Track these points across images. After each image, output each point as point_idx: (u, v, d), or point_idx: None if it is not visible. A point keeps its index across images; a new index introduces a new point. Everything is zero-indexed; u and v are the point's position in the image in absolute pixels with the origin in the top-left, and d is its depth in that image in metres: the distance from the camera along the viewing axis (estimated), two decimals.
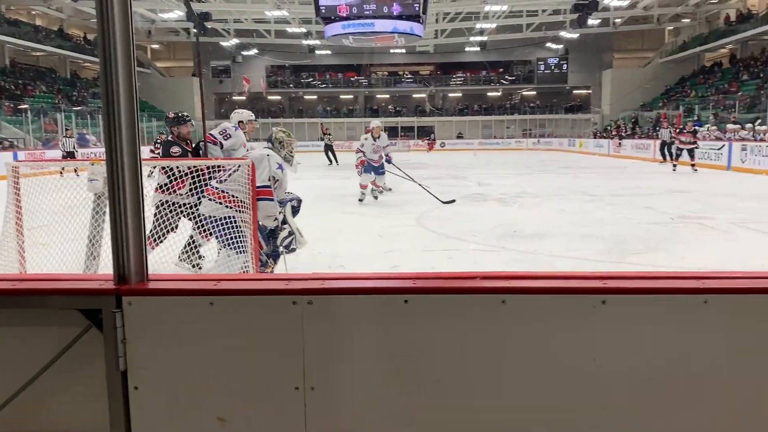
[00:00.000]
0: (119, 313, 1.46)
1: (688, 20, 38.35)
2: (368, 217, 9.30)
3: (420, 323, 1.46)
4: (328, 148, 24.59)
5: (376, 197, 11.01)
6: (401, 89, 47.05)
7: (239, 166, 4.31)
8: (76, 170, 12.15)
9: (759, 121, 20.73)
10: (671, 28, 40.95)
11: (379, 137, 10.69)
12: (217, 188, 4.32)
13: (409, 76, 47.53)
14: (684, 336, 1.44)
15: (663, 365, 1.44)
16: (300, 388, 1.47)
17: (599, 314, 1.44)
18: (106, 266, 4.04)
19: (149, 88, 39.05)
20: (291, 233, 4.65)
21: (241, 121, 6.11)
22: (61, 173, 11.22)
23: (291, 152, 4.71)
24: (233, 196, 4.26)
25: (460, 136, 42.94)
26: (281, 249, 4.66)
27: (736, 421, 1.45)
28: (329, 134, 25.60)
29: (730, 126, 21.04)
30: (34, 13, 35.60)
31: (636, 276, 1.53)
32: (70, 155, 18.82)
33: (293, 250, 4.72)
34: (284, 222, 4.67)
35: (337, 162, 23.88)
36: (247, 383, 1.49)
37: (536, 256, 6.22)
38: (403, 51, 43.04)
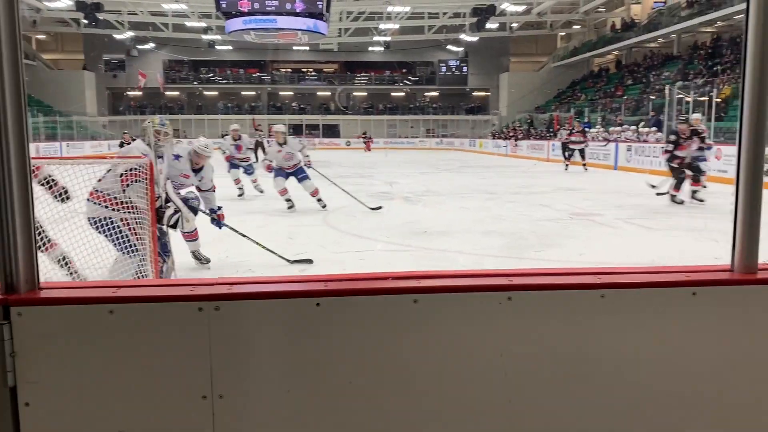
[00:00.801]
0: (7, 325, 1.35)
1: (579, 27, 40.55)
2: (274, 216, 9.17)
3: (332, 326, 1.44)
4: (259, 145, 23.96)
5: (324, 206, 9.92)
6: (305, 87, 46.77)
7: (111, 167, 4.28)
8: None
9: (642, 123, 22.22)
10: (563, 34, 43.15)
11: (285, 143, 9.84)
12: (95, 189, 4.22)
13: (313, 73, 47.30)
14: (583, 329, 1.51)
15: (564, 358, 1.50)
16: (208, 396, 1.42)
17: (505, 310, 1.48)
18: None
19: (36, 81, 36.54)
20: (177, 211, 4.62)
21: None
22: None
23: (156, 141, 4.74)
24: (108, 195, 4.17)
25: (365, 134, 43.24)
26: (165, 228, 4.58)
27: (629, 404, 1.54)
28: (261, 130, 24.87)
29: (614, 128, 22.46)
30: None
31: (539, 272, 1.59)
32: None
33: (177, 227, 4.69)
34: (168, 201, 4.63)
35: (256, 160, 23.30)
36: (151, 394, 1.42)
37: (443, 254, 6.36)
38: (307, 48, 42.77)
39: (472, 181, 16.25)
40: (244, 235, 5.55)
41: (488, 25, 36.35)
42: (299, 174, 9.83)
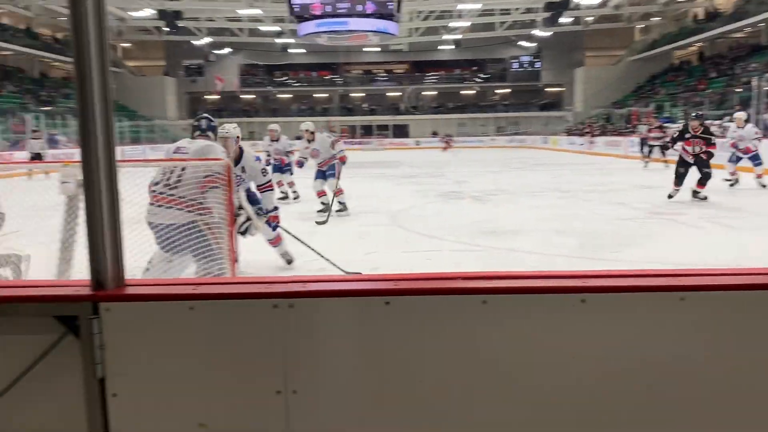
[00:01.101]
0: (96, 320, 1.43)
1: (658, 19, 38.97)
2: (343, 216, 9.28)
3: (401, 325, 1.46)
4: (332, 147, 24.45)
5: (341, 210, 9.63)
6: (376, 88, 47.09)
7: (184, 168, 4.03)
8: (46, 172, 11.93)
9: (727, 118, 21.14)
10: (641, 26, 41.58)
11: (313, 139, 9.86)
12: (179, 196, 3.96)
13: (383, 74, 47.58)
14: (662, 333, 1.46)
15: (642, 363, 1.46)
16: (282, 391, 1.46)
17: (579, 313, 1.45)
18: (80, 271, 3.96)
19: (121, 87, 38.46)
20: (248, 218, 4.70)
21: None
22: (29, 175, 11.00)
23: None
24: (191, 201, 3.95)
25: (435, 134, 43.10)
26: (236, 234, 4.62)
27: (721, 411, 1.47)
28: (335, 131, 25.52)
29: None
30: (0, 12, 34.81)
31: (614, 274, 1.54)
32: (37, 157, 18.46)
33: (246, 234, 4.77)
34: (240, 208, 4.69)
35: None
36: (228, 388, 1.48)
37: (514, 254, 6.27)
38: (378, 49, 43.08)
39: (544, 179, 15.91)
40: (297, 238, 5.57)
41: (562, 20, 35.51)
42: (327, 171, 9.68)
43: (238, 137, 5.23)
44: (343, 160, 9.69)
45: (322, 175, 9.64)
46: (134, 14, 36.05)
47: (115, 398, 1.46)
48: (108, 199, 1.46)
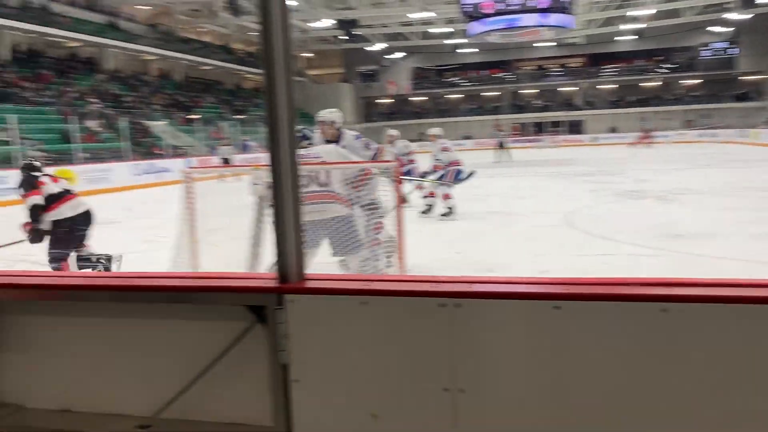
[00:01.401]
0: (281, 310, 1.56)
1: None
2: (514, 216, 9.12)
3: (572, 330, 1.41)
4: (501, 145, 24.59)
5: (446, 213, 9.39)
6: (549, 83, 45.61)
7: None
8: (237, 175, 13.11)
9: None
10: None
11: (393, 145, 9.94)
12: (337, 192, 4.24)
13: (557, 69, 45.97)
14: None
15: None
16: (449, 389, 1.49)
17: None
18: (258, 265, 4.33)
19: (303, 95, 41.22)
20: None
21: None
22: (221, 178, 12.17)
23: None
24: (345, 196, 4.23)
25: (613, 130, 40.78)
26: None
27: None
28: (503, 131, 25.57)
29: None
30: (202, 30, 38.91)
31: None
32: (225, 162, 20.37)
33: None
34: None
35: (511, 158, 23.76)
36: (398, 382, 1.53)
37: (702, 260, 5.75)
38: (551, 44, 41.72)
39: (740, 176, 14.38)
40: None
41: (761, 0, 31.84)
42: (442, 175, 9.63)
43: (333, 122, 5.22)
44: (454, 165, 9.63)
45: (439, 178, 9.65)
46: (315, 25, 38.34)
47: (297, 384, 1.58)
48: (292, 199, 1.58)
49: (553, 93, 45.50)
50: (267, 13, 1.53)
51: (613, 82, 44.48)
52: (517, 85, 46.10)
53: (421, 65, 46.56)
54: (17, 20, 24.96)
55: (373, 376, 1.55)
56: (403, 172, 10.99)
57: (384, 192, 4.51)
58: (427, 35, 40.98)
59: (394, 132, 10.93)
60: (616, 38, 41.64)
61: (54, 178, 5.88)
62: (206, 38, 39.25)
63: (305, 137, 4.72)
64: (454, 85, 47.31)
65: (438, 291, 1.51)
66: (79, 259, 5.68)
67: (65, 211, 5.57)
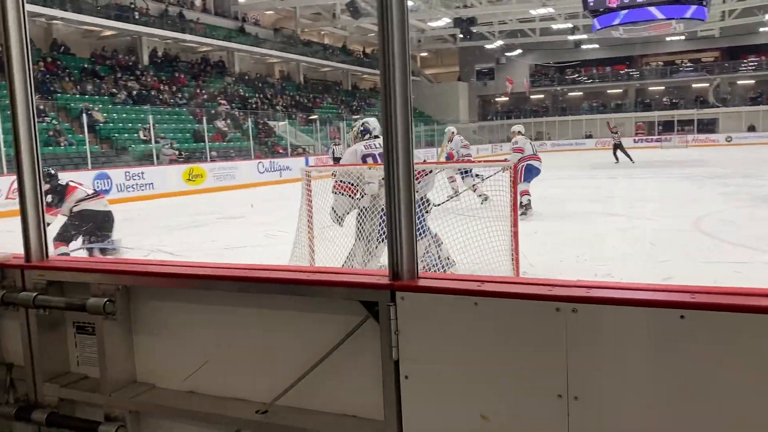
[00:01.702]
0: (393, 307, 1.58)
1: None
2: (636, 220, 8.68)
3: (698, 342, 1.32)
4: (617, 147, 23.58)
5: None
6: (678, 79, 42.95)
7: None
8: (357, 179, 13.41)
9: None
10: None
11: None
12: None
13: (688, 64, 43.19)
14: None
15: None
16: (563, 396, 1.44)
17: None
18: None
19: (419, 95, 41.51)
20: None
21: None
22: (333, 176, 12.49)
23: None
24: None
25: (752, 129, 37.73)
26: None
27: None
28: (616, 132, 24.50)
29: None
30: (323, 33, 40.21)
31: None
32: (337, 161, 20.92)
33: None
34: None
35: (631, 160, 22.70)
36: (509, 385, 1.51)
37: None
38: (682, 38, 39.23)
39: None
40: None
41: None
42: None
43: None
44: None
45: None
46: (432, 24, 38.44)
47: (407, 380, 1.60)
48: (405, 198, 1.60)
49: (682, 89, 42.81)
50: (386, 14, 1.55)
51: (751, 77, 41.13)
52: (643, 82, 43.83)
53: (541, 62, 45.41)
54: (156, 27, 27.00)
55: (483, 378, 1.53)
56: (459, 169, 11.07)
57: (498, 192, 4.44)
58: (546, 31, 39.89)
59: (452, 128, 10.86)
60: (759, 29, 38.44)
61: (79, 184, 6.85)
62: (326, 40, 40.52)
63: (366, 131, 4.88)
64: (575, 82, 45.75)
65: (554, 295, 1.46)
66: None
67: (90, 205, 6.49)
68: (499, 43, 41.30)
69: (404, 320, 1.59)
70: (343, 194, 4.54)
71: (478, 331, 1.53)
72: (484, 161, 9.40)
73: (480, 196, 7.07)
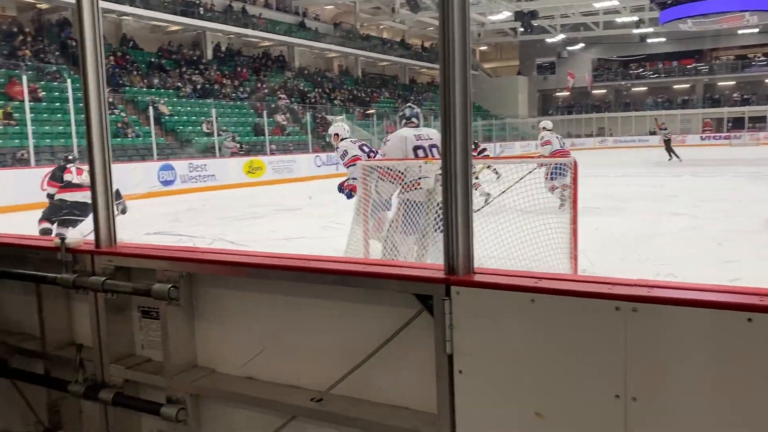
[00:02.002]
0: (448, 301, 1.58)
1: None
2: (702, 219, 8.37)
3: (766, 347, 1.27)
4: (667, 143, 22.86)
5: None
6: (751, 74, 41.07)
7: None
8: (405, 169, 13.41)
9: None
10: None
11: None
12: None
13: (761, 58, 41.22)
14: None
15: None
16: (620, 396, 1.41)
17: None
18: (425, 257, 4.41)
19: (477, 88, 41.08)
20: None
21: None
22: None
23: None
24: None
25: None
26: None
27: None
28: (665, 129, 23.70)
29: None
30: (381, 27, 40.28)
31: None
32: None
33: None
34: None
35: (678, 158, 22.01)
36: (565, 384, 1.48)
37: None
38: (756, 30, 37.46)
39: None
40: None
41: None
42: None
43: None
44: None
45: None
46: (492, 18, 37.98)
47: (461, 375, 1.60)
48: (462, 192, 1.59)
49: (755, 85, 40.93)
50: (446, 6, 1.55)
51: None
52: (712, 77, 42.11)
53: (604, 56, 44.24)
54: (220, 23, 27.63)
55: (539, 375, 1.52)
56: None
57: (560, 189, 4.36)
58: (610, 25, 38.81)
59: (545, 123, 10.67)
60: None
61: (79, 171, 7.52)
62: (385, 35, 40.58)
63: (412, 115, 4.88)
64: (639, 77, 44.37)
65: (614, 294, 1.43)
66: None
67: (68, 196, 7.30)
68: (561, 36, 40.43)
69: (459, 315, 1.58)
70: (390, 181, 4.58)
71: (534, 328, 1.51)
72: (545, 157, 9.23)
73: (481, 195, 6.97)
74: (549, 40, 40.93)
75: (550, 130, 10.32)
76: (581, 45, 42.32)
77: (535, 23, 35.30)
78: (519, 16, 34.29)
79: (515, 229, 4.27)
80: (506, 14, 36.07)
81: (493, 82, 44.56)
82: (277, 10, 32.69)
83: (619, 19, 37.91)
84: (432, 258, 4.28)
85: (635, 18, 37.00)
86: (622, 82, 44.44)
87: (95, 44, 2.09)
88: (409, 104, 5.17)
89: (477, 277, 1.61)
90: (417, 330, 1.68)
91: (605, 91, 45.11)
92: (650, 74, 44.13)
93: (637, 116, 41.06)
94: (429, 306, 1.64)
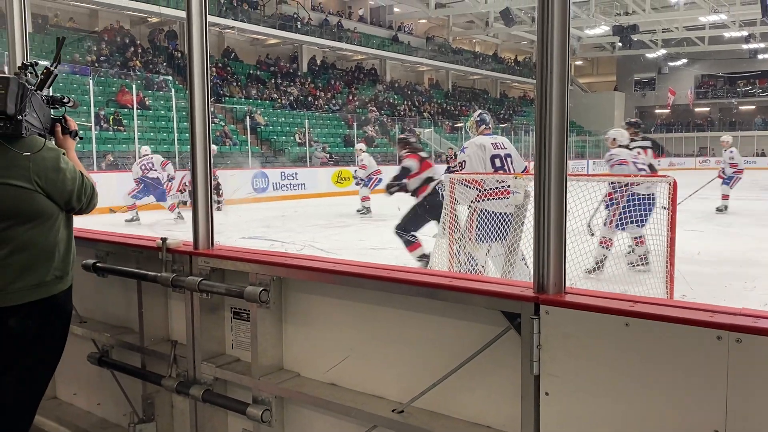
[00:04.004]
0: (536, 320, 1.54)
1: None
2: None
3: None
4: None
5: None
6: None
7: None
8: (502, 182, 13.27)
9: None
10: None
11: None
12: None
13: None
14: None
15: None
16: None
17: None
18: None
19: (571, 104, 39.89)
20: None
21: None
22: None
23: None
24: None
25: None
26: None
27: None
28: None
29: None
30: (474, 41, 40.12)
31: None
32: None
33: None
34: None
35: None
36: (659, 414, 1.41)
37: None
38: None
39: None
40: None
41: None
42: None
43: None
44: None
45: None
46: (589, 32, 36.98)
47: (547, 397, 1.55)
48: (556, 210, 1.55)
49: None
50: (546, 20, 1.52)
51: None
52: None
53: (708, 72, 42.07)
54: (316, 36, 28.43)
55: (631, 403, 1.45)
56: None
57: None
58: (717, 40, 36.89)
59: (614, 132, 9.15)
60: None
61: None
62: (477, 48, 40.38)
63: (483, 121, 4.83)
64: (747, 94, 41.86)
65: (715, 322, 1.35)
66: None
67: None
68: (662, 51, 38.81)
69: (547, 335, 1.54)
70: (468, 186, 4.54)
71: (627, 354, 1.45)
72: (645, 176, 8.84)
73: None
74: (649, 56, 39.36)
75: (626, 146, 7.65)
76: (684, 60, 40.45)
77: (634, 38, 34.04)
78: (617, 30, 33.15)
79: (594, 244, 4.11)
80: (604, 28, 34.99)
81: (588, 97, 43.34)
82: (371, 24, 33.26)
83: (726, 34, 35.97)
84: (518, 275, 4.20)
85: (745, 33, 34.98)
86: (728, 100, 42.07)
87: (202, 58, 2.20)
88: (481, 110, 5.18)
89: (568, 297, 1.56)
90: (503, 348, 1.65)
91: (708, 108, 42.87)
92: (759, 92, 41.54)
93: (744, 136, 38.71)
94: (516, 324, 1.60)
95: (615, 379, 1.47)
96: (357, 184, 14.01)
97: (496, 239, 4.41)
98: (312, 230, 10.37)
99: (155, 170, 11.65)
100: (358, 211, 13.31)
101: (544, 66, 1.54)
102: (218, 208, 11.12)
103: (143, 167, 11.62)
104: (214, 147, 14.29)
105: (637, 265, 5.61)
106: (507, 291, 1.64)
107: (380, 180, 13.14)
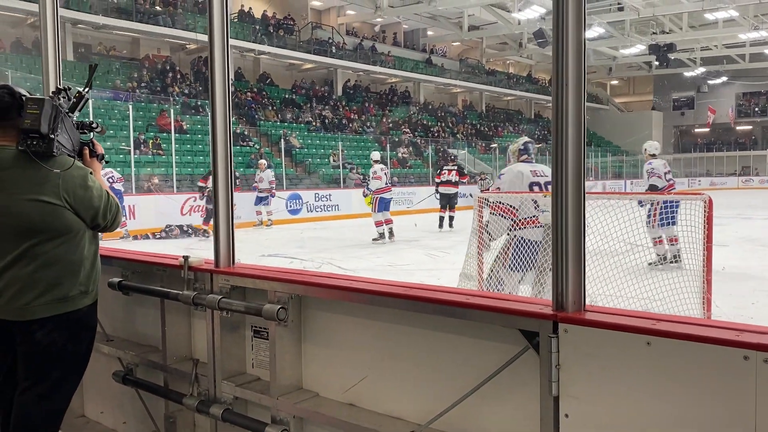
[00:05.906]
0: (555, 339, 1.50)
1: None
2: None
3: None
4: None
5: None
6: None
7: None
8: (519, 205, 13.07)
9: None
10: None
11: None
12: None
13: None
14: None
15: None
16: None
17: None
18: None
19: (607, 123, 39.66)
20: None
21: None
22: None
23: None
24: None
25: None
26: None
27: None
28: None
29: None
30: (508, 62, 40.09)
31: None
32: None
33: None
34: None
35: None
36: None
37: None
38: None
39: None
40: None
41: None
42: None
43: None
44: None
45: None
46: (624, 52, 36.60)
47: (567, 419, 1.50)
48: (574, 226, 1.52)
49: None
50: (560, 39, 1.51)
51: None
52: None
53: (750, 90, 41.17)
54: (351, 60, 28.77)
55: (653, 425, 1.39)
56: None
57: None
58: (758, 57, 36.11)
59: (648, 144, 8.81)
60: None
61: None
62: (511, 69, 40.32)
63: (526, 150, 4.74)
64: None
65: (742, 341, 1.29)
66: None
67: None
68: (701, 70, 38.14)
69: (567, 354, 1.50)
70: (502, 216, 4.42)
71: (649, 374, 1.39)
72: (678, 193, 8.65)
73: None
74: (687, 74, 38.74)
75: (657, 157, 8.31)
76: (723, 79, 39.66)
77: (671, 56, 33.56)
78: (654, 49, 32.72)
79: (627, 263, 3.99)
80: (640, 47, 34.57)
81: (624, 117, 42.78)
82: (405, 47, 33.53)
83: (767, 51, 35.23)
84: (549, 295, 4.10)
85: None
86: None
87: (224, 80, 2.24)
88: (528, 139, 5.05)
89: (588, 315, 1.51)
90: (521, 368, 1.61)
91: (750, 127, 41.88)
92: None
93: None
94: (535, 343, 1.56)
95: (637, 401, 1.41)
96: (365, 195, 12.63)
97: (530, 269, 4.31)
98: (341, 251, 10.40)
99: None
100: (374, 240, 11.49)
101: (560, 86, 1.52)
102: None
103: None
104: (269, 171, 15.23)
105: (672, 262, 6.09)
106: (525, 309, 1.60)
107: (384, 201, 11.59)
